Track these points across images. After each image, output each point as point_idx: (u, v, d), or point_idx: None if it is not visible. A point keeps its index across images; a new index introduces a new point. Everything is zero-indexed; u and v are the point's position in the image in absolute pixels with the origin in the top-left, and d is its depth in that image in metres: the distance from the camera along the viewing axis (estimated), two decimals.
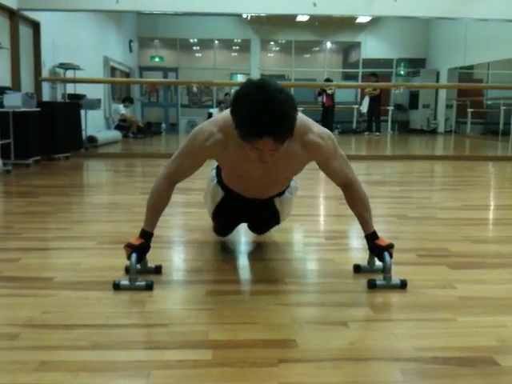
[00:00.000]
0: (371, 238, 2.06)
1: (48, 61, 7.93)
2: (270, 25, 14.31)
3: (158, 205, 2.01)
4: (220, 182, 2.27)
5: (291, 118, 1.66)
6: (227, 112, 1.80)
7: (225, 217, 2.40)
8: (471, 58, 12.43)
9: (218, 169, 2.27)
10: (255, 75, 14.69)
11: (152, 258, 2.13)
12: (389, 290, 1.96)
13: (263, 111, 1.59)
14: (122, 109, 11.26)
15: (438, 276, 2.14)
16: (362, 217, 2.06)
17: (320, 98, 13.12)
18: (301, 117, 1.86)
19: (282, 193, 2.31)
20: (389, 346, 1.52)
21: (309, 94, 14.90)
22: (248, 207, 2.27)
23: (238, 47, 16.29)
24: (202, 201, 2.67)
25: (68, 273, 2.13)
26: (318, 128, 1.95)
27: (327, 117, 12.92)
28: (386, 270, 1.99)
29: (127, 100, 11.62)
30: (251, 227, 2.57)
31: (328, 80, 12.84)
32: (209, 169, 2.41)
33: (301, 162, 2.02)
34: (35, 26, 7.67)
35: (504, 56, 11.20)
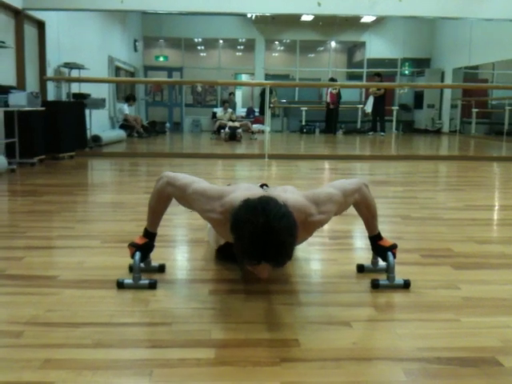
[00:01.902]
0: (375, 238, 2.06)
1: (53, 60, 7.95)
2: (274, 24, 14.31)
3: (158, 207, 2.03)
4: None
5: (290, 246, 1.58)
6: (236, 196, 1.74)
7: (228, 256, 2.39)
8: (476, 58, 12.39)
9: None
10: (260, 74, 14.70)
11: (156, 257, 2.14)
12: (392, 290, 1.96)
13: (262, 241, 1.51)
14: (125, 109, 11.27)
15: (442, 276, 2.14)
16: (367, 222, 2.07)
17: (324, 97, 13.13)
18: (298, 204, 1.78)
19: None
20: (392, 346, 1.52)
21: (313, 93, 14.90)
22: None
23: (242, 47, 16.29)
24: (205, 234, 2.65)
25: (72, 271, 2.14)
26: (316, 205, 1.85)
27: (331, 117, 12.93)
28: (389, 270, 1.99)
29: (131, 99, 11.61)
30: None
31: (332, 80, 12.83)
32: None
33: (304, 239, 1.98)
34: (40, 26, 7.70)
35: (509, 56, 11.16)
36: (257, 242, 1.52)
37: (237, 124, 10.94)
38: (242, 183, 2.04)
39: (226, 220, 1.73)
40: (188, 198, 1.90)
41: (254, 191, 1.86)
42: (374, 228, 2.07)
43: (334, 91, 12.19)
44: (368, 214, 2.04)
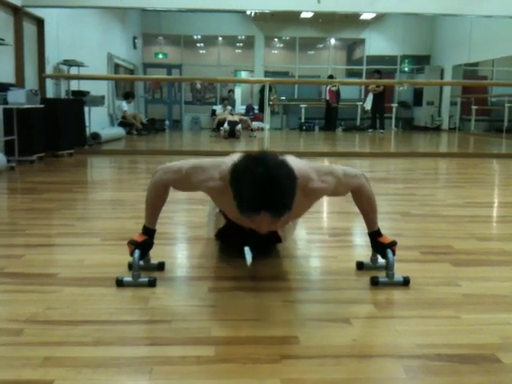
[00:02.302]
0: (374, 235, 2.06)
1: (52, 57, 7.94)
2: (274, 21, 14.28)
3: (156, 202, 2.03)
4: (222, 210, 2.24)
5: (290, 194, 1.59)
6: (233, 160, 1.73)
7: (227, 241, 2.40)
8: (476, 55, 12.37)
9: None
10: (259, 72, 14.68)
11: (155, 255, 2.14)
12: (392, 287, 1.96)
13: (261, 188, 1.53)
14: (124, 106, 11.22)
15: (442, 273, 2.14)
16: (367, 216, 2.06)
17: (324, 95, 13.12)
18: (299, 168, 1.77)
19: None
20: (392, 342, 1.52)
21: (313, 90, 14.89)
22: (250, 235, 2.24)
23: (241, 44, 16.26)
24: (205, 220, 2.66)
25: (72, 269, 2.14)
26: (317, 173, 1.88)
27: (331, 114, 12.92)
28: (388, 267, 1.99)
29: (130, 96, 11.56)
30: (252, 249, 2.54)
31: (331, 77, 12.81)
32: None
33: (304, 208, 1.98)
34: (39, 23, 7.68)
35: (509, 53, 11.15)
36: (256, 191, 1.54)
37: (236, 118, 10.87)
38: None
39: (225, 186, 1.74)
40: (186, 177, 1.91)
41: None
42: (373, 224, 2.06)
43: (333, 88, 12.20)
44: (368, 208, 2.04)
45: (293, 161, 1.77)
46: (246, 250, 2.42)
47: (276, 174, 1.55)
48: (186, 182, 1.94)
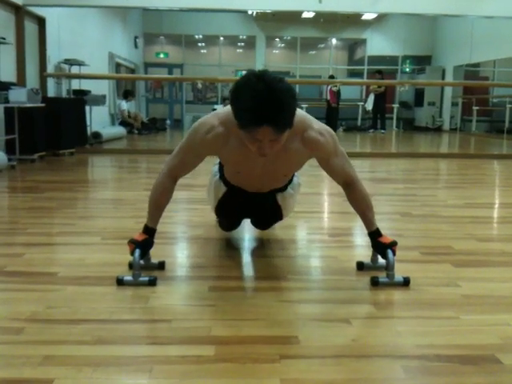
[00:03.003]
0: (374, 235, 2.05)
1: (53, 56, 7.94)
2: (275, 21, 14.28)
3: (160, 201, 2.02)
4: (222, 177, 2.27)
5: (291, 106, 1.66)
6: (229, 107, 1.80)
7: (228, 212, 2.40)
8: (477, 56, 12.36)
9: (220, 164, 2.27)
10: None
11: (155, 254, 2.14)
12: (392, 287, 1.96)
13: (263, 100, 1.59)
14: (123, 105, 11.16)
15: (442, 274, 2.14)
16: (364, 215, 2.05)
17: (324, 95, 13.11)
18: (301, 113, 1.86)
19: (285, 188, 2.31)
20: (391, 343, 1.52)
21: (314, 90, 14.88)
22: (250, 202, 2.27)
23: (243, 44, 16.27)
24: (205, 196, 2.67)
25: (72, 268, 2.14)
26: (318, 125, 1.95)
27: (332, 115, 12.90)
28: (389, 268, 1.99)
29: (129, 94, 11.49)
30: (254, 223, 2.58)
31: (331, 77, 12.81)
32: (210, 165, 2.42)
33: (301, 159, 2.02)
34: (41, 22, 7.69)
35: (510, 54, 11.14)
36: (257, 104, 1.60)
37: None
38: None
39: (227, 130, 1.85)
40: (188, 145, 1.96)
41: None
42: (371, 223, 2.05)
43: (334, 89, 12.19)
44: (363, 205, 2.04)
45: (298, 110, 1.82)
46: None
47: (276, 88, 1.61)
48: (189, 150, 1.96)
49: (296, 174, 2.34)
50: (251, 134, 1.68)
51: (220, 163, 2.28)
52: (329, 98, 12.72)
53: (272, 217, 2.44)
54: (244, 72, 1.81)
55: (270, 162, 1.94)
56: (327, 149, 1.94)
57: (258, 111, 1.60)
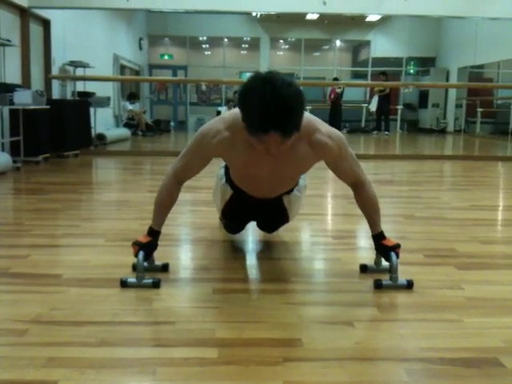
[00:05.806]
0: (378, 237, 2.05)
1: (58, 58, 7.97)
2: (279, 23, 14.28)
3: (165, 203, 2.02)
4: (228, 180, 2.27)
5: (298, 112, 1.66)
6: (236, 110, 1.79)
7: (234, 215, 2.41)
8: (481, 57, 12.34)
9: (227, 168, 2.27)
10: None
11: (159, 256, 2.14)
12: (395, 290, 1.96)
13: (270, 106, 1.58)
14: (128, 105, 11.26)
15: (445, 276, 2.14)
16: (370, 217, 2.06)
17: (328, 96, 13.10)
18: (309, 117, 1.86)
19: (291, 191, 2.31)
20: (394, 346, 1.52)
21: (318, 92, 14.87)
22: (257, 205, 2.27)
23: (247, 45, 16.28)
24: (211, 199, 2.68)
25: (76, 270, 2.15)
26: (326, 128, 1.95)
27: (334, 115, 12.89)
28: (392, 270, 1.98)
29: (133, 96, 11.57)
30: (260, 226, 2.58)
31: (336, 79, 12.80)
32: (217, 167, 2.42)
33: (309, 162, 2.01)
34: (46, 24, 7.71)
35: None
36: (265, 109, 1.59)
37: None
38: None
39: (233, 135, 1.85)
40: (193, 149, 1.96)
41: None
42: (376, 226, 2.05)
43: (338, 90, 12.18)
44: (371, 208, 2.04)
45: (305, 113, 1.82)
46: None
47: (284, 93, 1.60)
48: (195, 154, 1.97)
49: (302, 176, 2.35)
50: (258, 138, 1.69)
51: (226, 167, 2.29)
52: (332, 96, 12.67)
53: (278, 219, 2.44)
54: (249, 74, 1.81)
55: (277, 165, 1.94)
56: (335, 152, 1.94)
57: (264, 118, 1.60)
